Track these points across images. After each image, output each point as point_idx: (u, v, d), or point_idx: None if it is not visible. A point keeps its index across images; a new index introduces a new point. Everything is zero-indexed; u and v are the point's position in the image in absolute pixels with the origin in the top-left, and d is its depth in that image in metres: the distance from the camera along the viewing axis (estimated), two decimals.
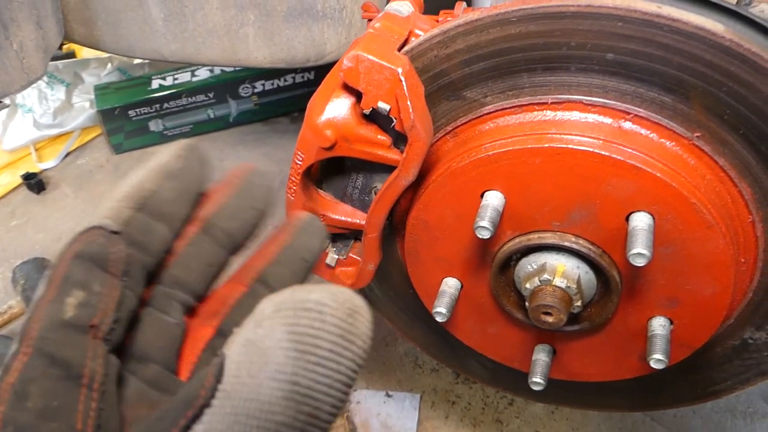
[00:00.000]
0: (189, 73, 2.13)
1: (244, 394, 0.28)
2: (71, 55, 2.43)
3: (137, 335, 0.37)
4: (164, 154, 0.41)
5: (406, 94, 0.68)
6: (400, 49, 0.75)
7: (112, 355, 0.33)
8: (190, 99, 2.11)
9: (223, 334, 0.39)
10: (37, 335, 0.31)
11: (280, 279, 0.41)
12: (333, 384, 0.29)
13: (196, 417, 0.29)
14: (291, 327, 0.29)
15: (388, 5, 0.81)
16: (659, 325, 0.79)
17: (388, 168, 0.78)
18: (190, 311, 0.40)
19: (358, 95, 0.72)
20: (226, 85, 2.12)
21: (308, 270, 0.42)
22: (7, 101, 1.01)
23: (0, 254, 1.76)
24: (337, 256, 0.88)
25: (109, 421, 0.31)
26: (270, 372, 0.29)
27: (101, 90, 2.10)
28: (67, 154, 2.12)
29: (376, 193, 0.82)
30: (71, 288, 0.33)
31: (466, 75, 0.75)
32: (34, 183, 1.94)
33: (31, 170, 1.99)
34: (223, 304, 0.40)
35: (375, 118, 0.74)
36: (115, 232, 0.36)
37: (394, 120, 0.71)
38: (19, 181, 1.97)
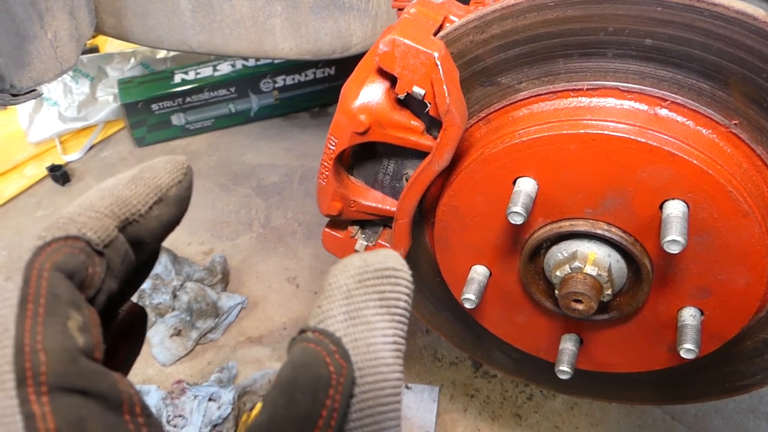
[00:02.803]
0: (211, 68, 2.15)
1: (372, 362, 0.31)
2: (95, 49, 2.47)
3: None
4: (160, 170, 0.35)
5: (442, 79, 0.68)
6: (435, 35, 0.75)
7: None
8: (211, 93, 2.13)
9: None
10: (51, 370, 0.26)
11: None
12: (405, 334, 0.33)
13: (349, 393, 0.30)
14: (380, 294, 0.33)
15: None
16: (690, 315, 0.78)
17: (419, 154, 0.78)
18: None
19: (392, 80, 0.73)
20: (247, 79, 2.14)
21: None
22: (40, 90, 1.03)
23: None
24: (366, 243, 0.88)
25: None
26: (380, 338, 0.32)
27: (125, 84, 2.13)
28: (91, 147, 2.15)
29: (407, 180, 0.82)
30: (66, 308, 0.28)
31: (501, 61, 0.75)
32: (60, 175, 1.97)
33: (57, 162, 2.02)
34: None
35: (409, 103, 0.74)
36: (99, 253, 0.31)
37: (429, 105, 0.72)
38: (45, 172, 2.00)
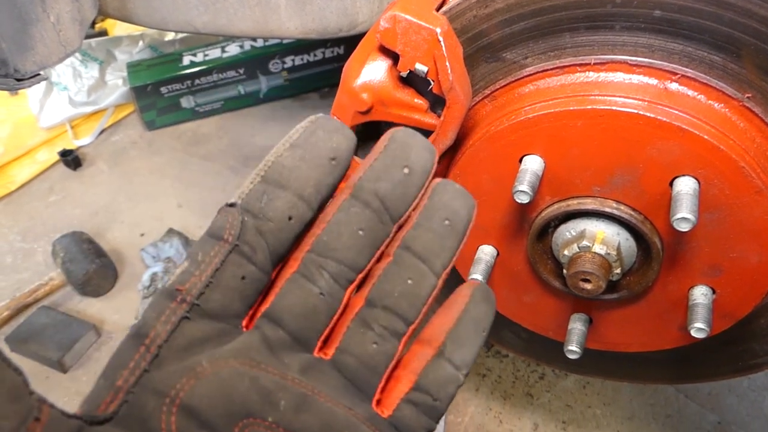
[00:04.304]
0: (219, 49, 2.14)
1: None
2: (104, 33, 2.46)
3: (275, 298, 0.37)
4: (292, 131, 0.40)
5: (445, 55, 0.67)
6: (438, 10, 0.73)
7: (199, 320, 0.35)
8: (220, 75, 2.11)
9: (371, 304, 0.38)
10: (149, 302, 0.35)
11: (458, 341, 0.40)
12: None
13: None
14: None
15: None
16: (701, 294, 0.77)
17: (424, 133, 0.77)
18: (351, 284, 0.39)
19: (394, 57, 0.71)
20: (256, 60, 2.12)
21: (484, 340, 0.42)
22: (45, 74, 1.02)
23: (40, 228, 1.80)
24: None
25: (154, 381, 0.33)
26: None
27: (133, 67, 2.12)
28: (102, 131, 2.15)
29: None
30: (184, 260, 0.36)
31: (505, 36, 0.74)
32: (71, 159, 1.98)
33: (68, 147, 2.03)
34: (372, 276, 0.40)
35: (412, 81, 0.73)
36: (231, 205, 0.37)
37: (432, 82, 0.70)
38: (57, 157, 2.01)
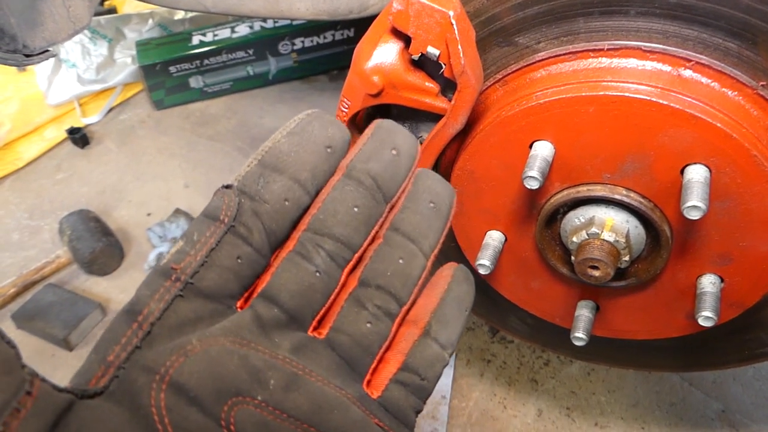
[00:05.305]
0: (229, 29, 2.13)
1: None
2: (113, 10, 2.45)
3: (271, 278, 0.37)
4: (288, 122, 0.41)
5: (457, 38, 0.66)
6: None
7: (193, 299, 0.36)
8: (229, 55, 2.11)
9: (365, 284, 0.39)
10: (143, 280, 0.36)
11: (443, 321, 0.41)
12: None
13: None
14: None
15: None
16: (709, 282, 0.77)
17: (434, 117, 0.77)
18: (347, 264, 0.40)
19: (406, 40, 0.71)
20: (265, 41, 2.11)
21: (467, 319, 0.43)
22: (54, 51, 1.02)
23: (47, 206, 1.81)
24: None
25: (144, 357, 0.33)
26: None
27: (142, 46, 2.12)
28: (110, 110, 2.15)
29: (421, 143, 0.81)
30: (179, 240, 0.37)
31: (518, 20, 0.73)
32: (79, 137, 1.98)
33: (76, 125, 2.03)
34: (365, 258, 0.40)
35: (423, 64, 0.73)
36: (227, 186, 0.38)
37: (443, 66, 0.70)
38: (64, 135, 2.01)
